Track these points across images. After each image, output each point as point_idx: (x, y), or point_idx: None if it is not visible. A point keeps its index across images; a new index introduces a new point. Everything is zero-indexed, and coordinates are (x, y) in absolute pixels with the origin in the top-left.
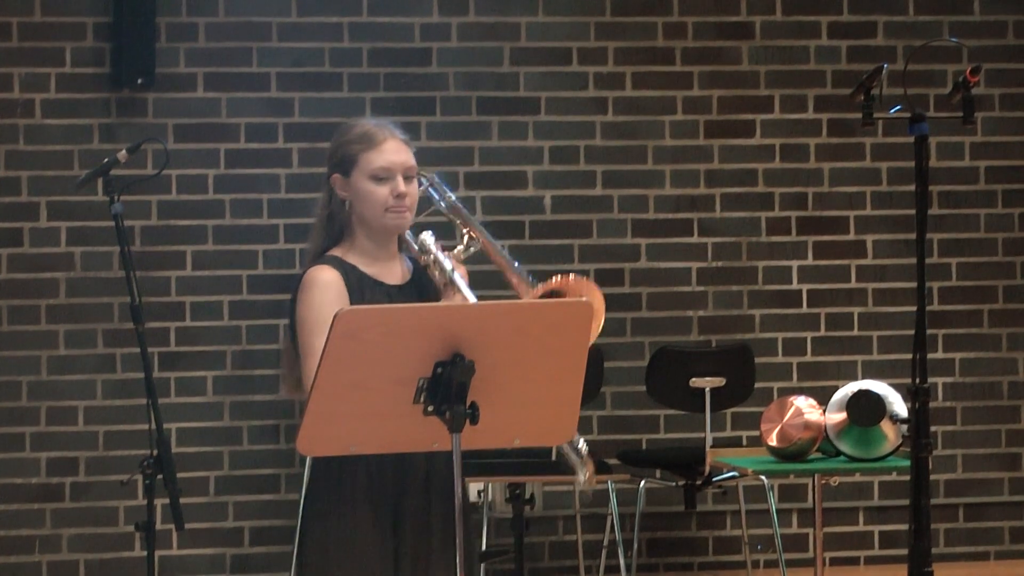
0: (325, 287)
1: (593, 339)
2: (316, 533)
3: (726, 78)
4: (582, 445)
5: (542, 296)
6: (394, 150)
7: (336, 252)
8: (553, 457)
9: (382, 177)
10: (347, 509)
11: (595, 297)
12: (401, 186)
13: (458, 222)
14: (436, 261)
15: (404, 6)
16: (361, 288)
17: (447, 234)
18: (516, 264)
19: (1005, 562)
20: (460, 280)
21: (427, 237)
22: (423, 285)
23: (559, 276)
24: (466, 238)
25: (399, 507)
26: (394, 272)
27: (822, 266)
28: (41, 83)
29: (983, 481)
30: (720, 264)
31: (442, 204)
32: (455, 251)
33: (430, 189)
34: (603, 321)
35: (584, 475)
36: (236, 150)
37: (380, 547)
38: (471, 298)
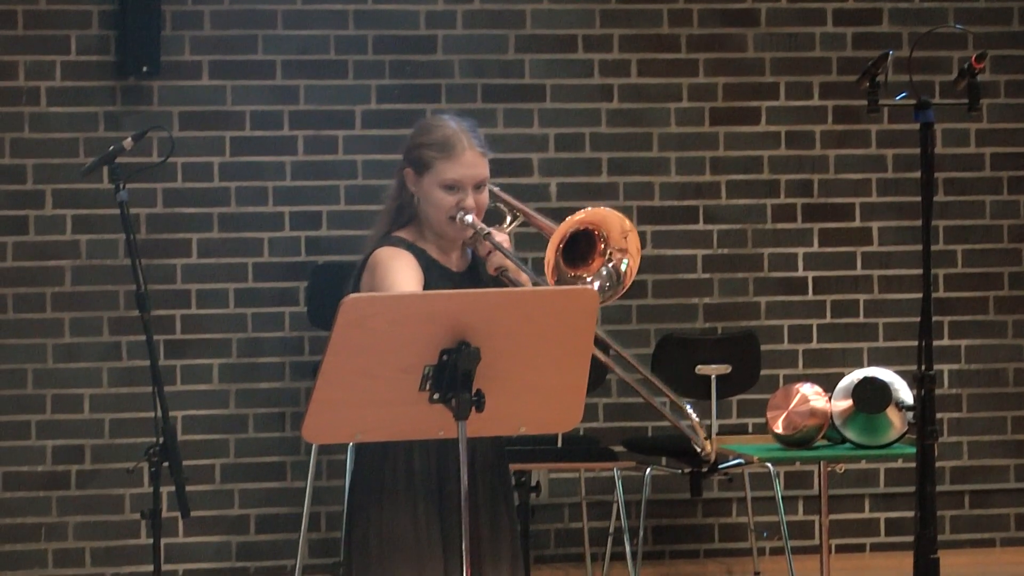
0: (405, 258)
1: (637, 254)
2: (362, 521)
3: (731, 65)
4: (694, 417)
5: (570, 232)
6: (470, 164)
7: (404, 235)
8: (559, 444)
9: (452, 187)
10: (390, 496)
11: (612, 217)
12: (469, 200)
13: (500, 205)
14: (479, 232)
15: None
16: (429, 272)
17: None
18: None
19: (1011, 549)
20: (501, 243)
21: (468, 217)
22: (479, 273)
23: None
24: (508, 217)
25: (444, 492)
26: (457, 259)
27: (828, 253)
28: (46, 71)
29: (989, 468)
30: (726, 251)
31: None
32: (504, 225)
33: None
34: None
35: (703, 446)
36: (241, 138)
37: (426, 533)
38: (513, 260)
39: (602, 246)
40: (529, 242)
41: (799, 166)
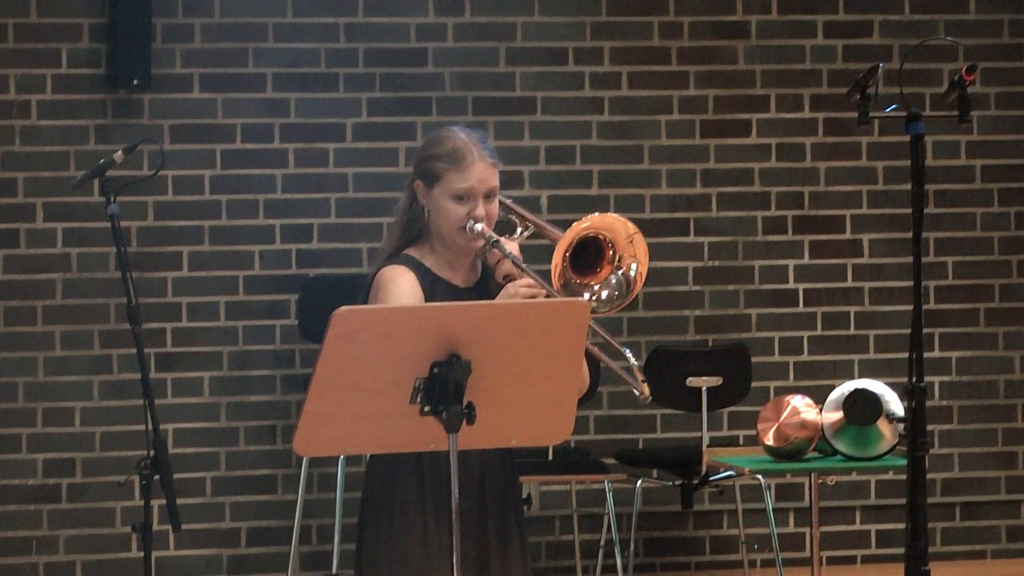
0: (407, 279)
1: (645, 258)
2: (373, 537)
3: (722, 77)
4: (632, 360)
5: (578, 239)
6: (479, 174)
7: (413, 252)
8: (550, 456)
9: (462, 197)
10: (401, 511)
11: (616, 222)
12: (480, 209)
13: (512, 216)
14: (489, 241)
15: (400, 6)
16: (433, 291)
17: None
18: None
19: (1002, 561)
20: (511, 252)
21: (478, 226)
22: (488, 287)
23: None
24: (519, 227)
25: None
26: (466, 274)
27: (818, 265)
28: (37, 84)
29: (980, 480)
30: (716, 263)
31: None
32: (514, 235)
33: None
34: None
35: (641, 390)
36: (232, 151)
37: (437, 547)
38: (521, 268)
39: (611, 253)
40: (541, 254)
41: (790, 178)
